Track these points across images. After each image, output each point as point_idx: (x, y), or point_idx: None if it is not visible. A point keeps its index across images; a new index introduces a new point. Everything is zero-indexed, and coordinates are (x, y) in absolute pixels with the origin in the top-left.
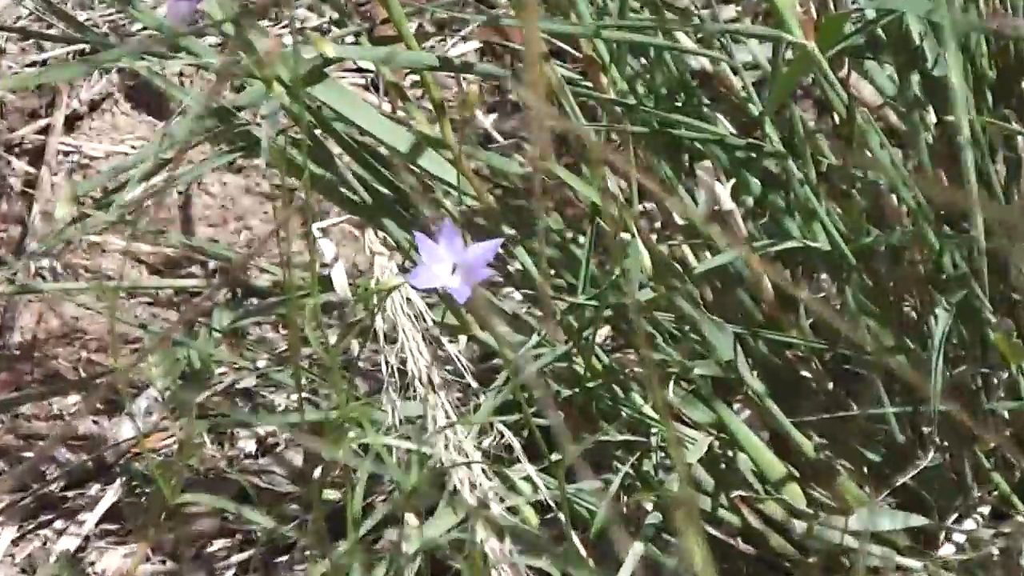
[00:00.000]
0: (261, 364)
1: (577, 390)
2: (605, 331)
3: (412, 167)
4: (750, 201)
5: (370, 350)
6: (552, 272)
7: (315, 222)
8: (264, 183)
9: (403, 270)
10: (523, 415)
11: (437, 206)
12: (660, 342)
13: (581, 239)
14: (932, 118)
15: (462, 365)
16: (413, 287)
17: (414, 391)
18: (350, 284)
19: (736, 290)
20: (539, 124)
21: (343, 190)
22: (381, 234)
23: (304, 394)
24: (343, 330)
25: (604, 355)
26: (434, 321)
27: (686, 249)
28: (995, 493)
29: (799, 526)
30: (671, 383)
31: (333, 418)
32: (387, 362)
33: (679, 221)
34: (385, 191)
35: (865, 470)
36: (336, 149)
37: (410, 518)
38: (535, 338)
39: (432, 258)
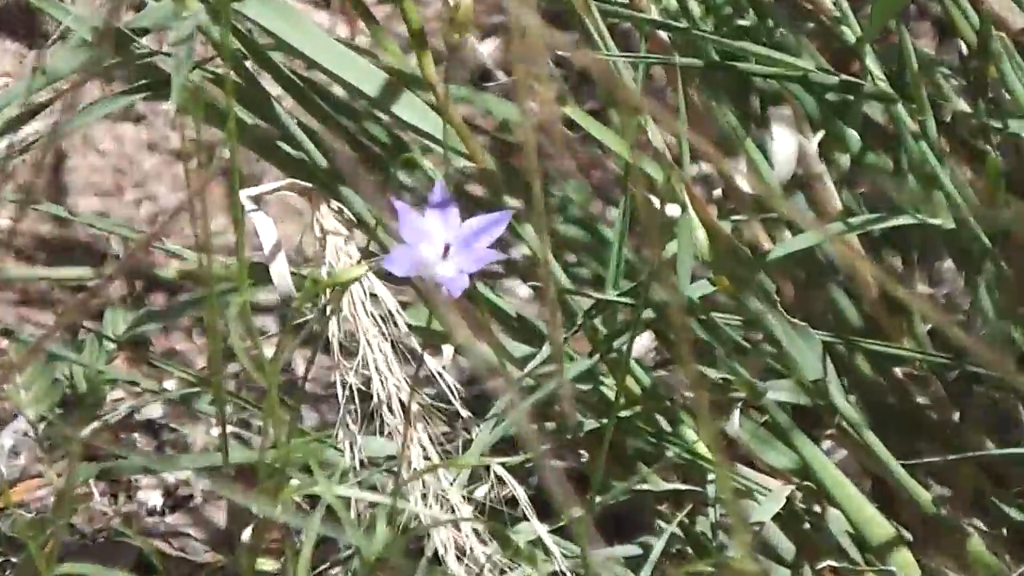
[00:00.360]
0: (170, 386)
1: (606, 421)
2: (645, 339)
3: (380, 114)
4: (845, 161)
5: (321, 367)
6: (571, 259)
7: (244, 189)
8: (173, 137)
9: (366, 255)
10: (531, 455)
11: (414, 168)
12: (720, 355)
13: (612, 213)
14: None
15: (447, 386)
16: (389, 273)
17: (381, 422)
18: (293, 274)
19: (826, 284)
20: (530, 50)
21: (284, 146)
22: (336, 205)
23: (230, 427)
24: (283, 339)
25: (643, 373)
26: (409, 326)
27: (757, 228)
28: None
29: None
30: (735, 412)
31: (269, 460)
32: (344, 383)
33: (746, 189)
34: (343, 148)
35: (1003, 531)
36: (275, 89)
37: None
38: (547, 349)
39: (416, 235)
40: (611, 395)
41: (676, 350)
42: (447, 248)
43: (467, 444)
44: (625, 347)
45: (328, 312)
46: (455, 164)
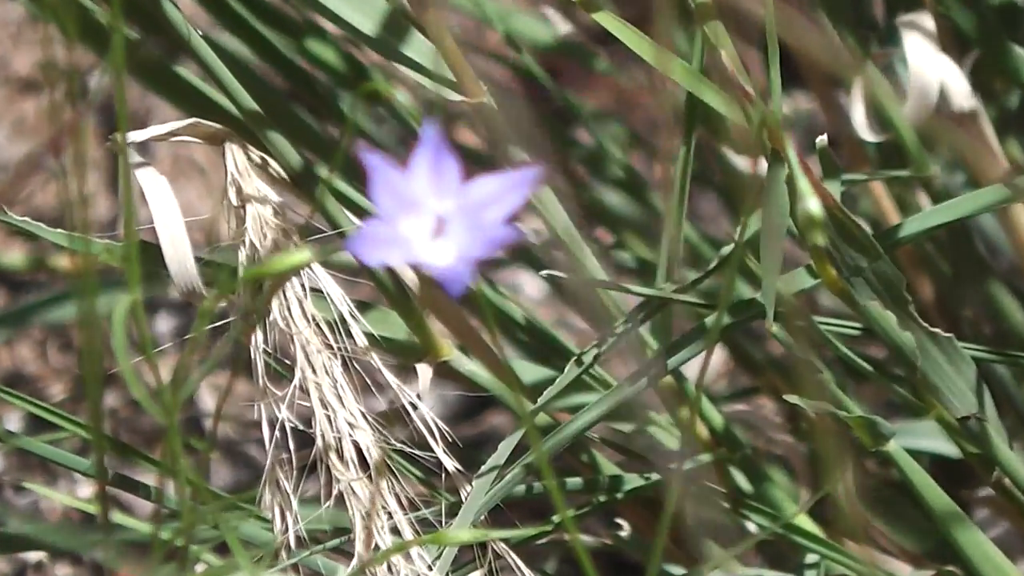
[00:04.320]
0: (14, 426)
1: (659, 477)
2: (716, 359)
3: (329, 25)
4: (1011, 98)
5: (240, 397)
6: (609, 239)
7: (130, 132)
8: (19, 59)
9: (308, 233)
10: (550, 527)
11: (380, 104)
12: (824, 381)
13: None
14: None
15: (424, 425)
16: (341, 261)
17: (327, 479)
18: (199, 261)
19: (983, 279)
20: None
21: (184, 72)
22: (260, 156)
23: (107, 488)
24: (184, 356)
25: (713, 407)
26: (369, 336)
27: (879, 192)
28: None
29: None
30: (848, 463)
31: (165, 536)
32: (272, 421)
33: (863, 136)
34: (272, 72)
35: None
36: None
37: None
38: (572, 370)
39: (395, 203)
40: (667, 439)
41: (762, 373)
42: (442, 222)
43: (453, 509)
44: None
45: (251, 317)
46: (438, 98)
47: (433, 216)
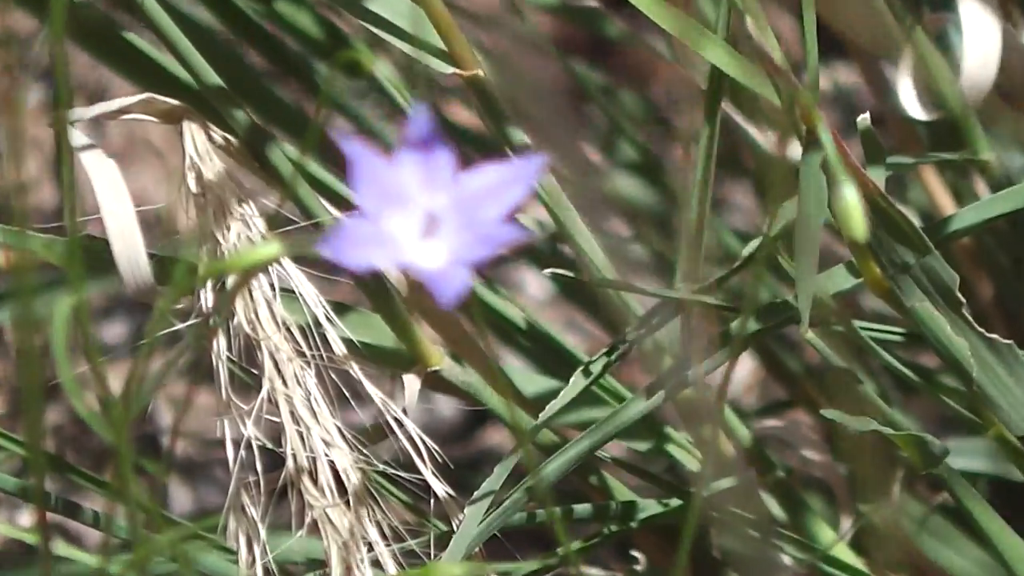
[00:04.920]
0: None
1: (681, 502)
2: (743, 368)
3: None
4: None
5: (201, 411)
6: (623, 231)
7: (75, 109)
8: None
9: (273, 224)
10: (555, 559)
11: (361, 77)
12: (868, 394)
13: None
14: None
15: (411, 444)
16: (316, 257)
17: (299, 505)
18: (152, 257)
19: None
20: None
21: (138, 41)
22: (222, 135)
23: (50, 515)
24: (137, 365)
25: (741, 423)
26: (348, 343)
27: (930, 178)
28: None
29: None
30: (893, 487)
31: (115, 570)
32: (237, 440)
33: (912, 114)
34: (238, 40)
35: None
36: None
37: None
38: (579, 380)
39: (380, 196)
40: (688, 460)
41: (798, 386)
42: (433, 220)
43: (443, 540)
44: (716, 382)
45: (213, 320)
46: (428, 70)
47: (423, 212)
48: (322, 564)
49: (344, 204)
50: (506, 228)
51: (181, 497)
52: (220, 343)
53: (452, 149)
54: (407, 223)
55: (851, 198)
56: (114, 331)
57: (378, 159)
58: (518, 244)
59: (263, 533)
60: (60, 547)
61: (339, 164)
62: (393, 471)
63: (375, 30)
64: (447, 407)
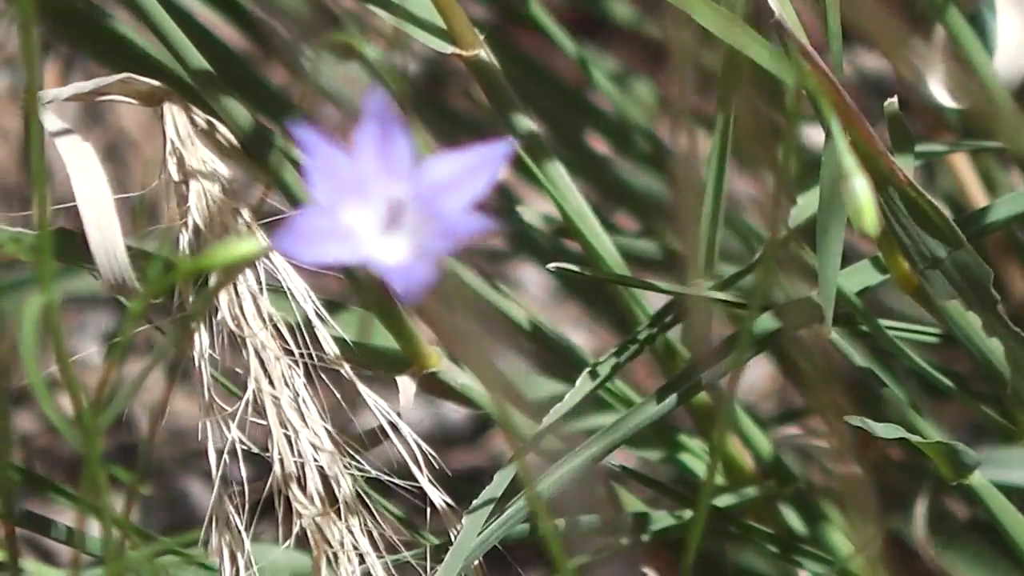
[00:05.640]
0: None
1: (693, 514)
2: (759, 370)
3: None
4: None
5: (181, 417)
6: (632, 225)
7: (46, 91)
8: None
9: (259, 214)
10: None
11: (351, 57)
12: (894, 398)
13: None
14: None
15: (406, 450)
16: (292, 262)
17: (286, 514)
18: (130, 251)
19: None
20: None
21: (115, 22)
22: (205, 119)
23: (20, 530)
24: (108, 367)
25: (758, 430)
26: (340, 342)
27: (962, 168)
28: None
29: None
30: (920, 502)
31: None
32: (220, 449)
33: (942, 101)
34: (220, 20)
35: None
36: None
37: None
38: (585, 383)
39: (338, 187)
40: (700, 469)
41: (815, 393)
42: (394, 211)
43: (440, 553)
44: (726, 383)
45: (195, 320)
46: (424, 49)
47: (383, 203)
48: None
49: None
50: (471, 219)
51: (158, 511)
52: (202, 340)
53: (411, 139)
54: (366, 215)
55: (861, 191)
56: (93, 333)
57: (334, 148)
58: (494, 233)
59: (247, 545)
60: (28, 564)
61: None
62: (387, 479)
63: (370, 6)
64: (454, 411)
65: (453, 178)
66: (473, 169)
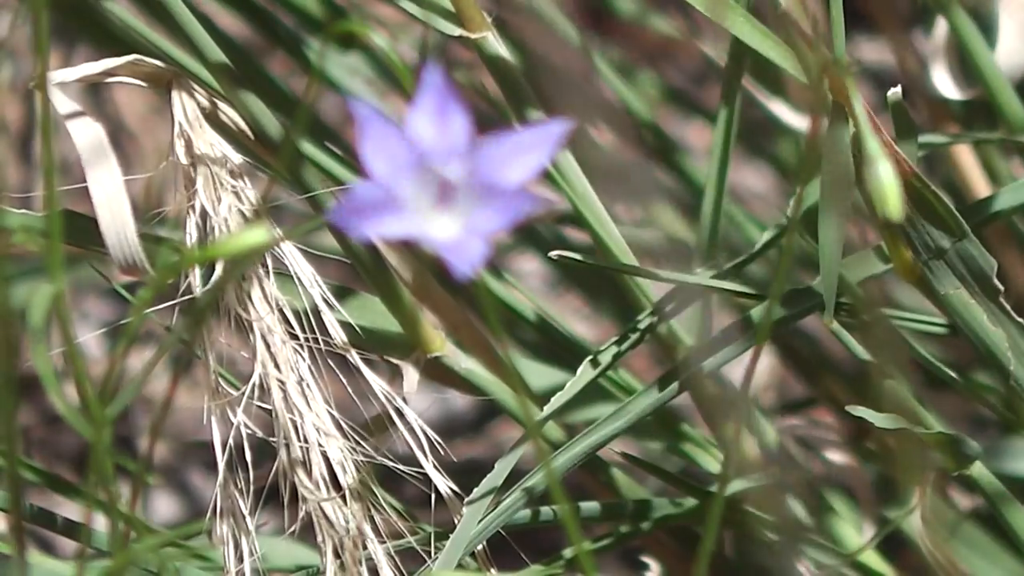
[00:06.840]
0: None
1: (699, 503)
2: (764, 363)
3: None
4: None
5: (186, 406)
6: (636, 214)
7: (56, 72)
8: None
9: (268, 199)
10: (561, 563)
11: (357, 47)
12: (895, 389)
13: (702, 137)
14: None
15: (411, 436)
16: (341, 235)
17: (292, 502)
18: (146, 236)
19: None
20: None
21: (117, 10)
22: (210, 101)
23: (25, 523)
24: (114, 357)
25: (763, 419)
26: (347, 327)
27: (964, 158)
28: None
29: None
30: (924, 489)
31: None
32: (225, 437)
33: (945, 91)
34: (224, 11)
35: None
36: None
37: None
38: (587, 371)
39: (392, 163)
40: (706, 460)
41: (822, 381)
42: (448, 188)
43: (443, 539)
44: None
45: (204, 306)
46: (432, 34)
47: (437, 180)
48: (315, 568)
49: (338, 181)
50: (525, 197)
51: (163, 503)
52: (208, 326)
53: (469, 113)
54: (420, 191)
55: (886, 175)
56: (91, 320)
57: (389, 123)
58: (540, 215)
59: (254, 535)
60: (33, 556)
61: (331, 137)
62: (391, 464)
63: None
64: (459, 399)
65: (507, 156)
66: (528, 148)
